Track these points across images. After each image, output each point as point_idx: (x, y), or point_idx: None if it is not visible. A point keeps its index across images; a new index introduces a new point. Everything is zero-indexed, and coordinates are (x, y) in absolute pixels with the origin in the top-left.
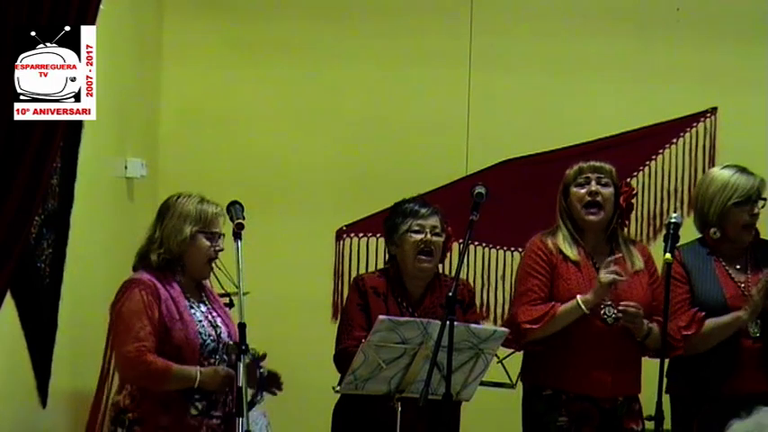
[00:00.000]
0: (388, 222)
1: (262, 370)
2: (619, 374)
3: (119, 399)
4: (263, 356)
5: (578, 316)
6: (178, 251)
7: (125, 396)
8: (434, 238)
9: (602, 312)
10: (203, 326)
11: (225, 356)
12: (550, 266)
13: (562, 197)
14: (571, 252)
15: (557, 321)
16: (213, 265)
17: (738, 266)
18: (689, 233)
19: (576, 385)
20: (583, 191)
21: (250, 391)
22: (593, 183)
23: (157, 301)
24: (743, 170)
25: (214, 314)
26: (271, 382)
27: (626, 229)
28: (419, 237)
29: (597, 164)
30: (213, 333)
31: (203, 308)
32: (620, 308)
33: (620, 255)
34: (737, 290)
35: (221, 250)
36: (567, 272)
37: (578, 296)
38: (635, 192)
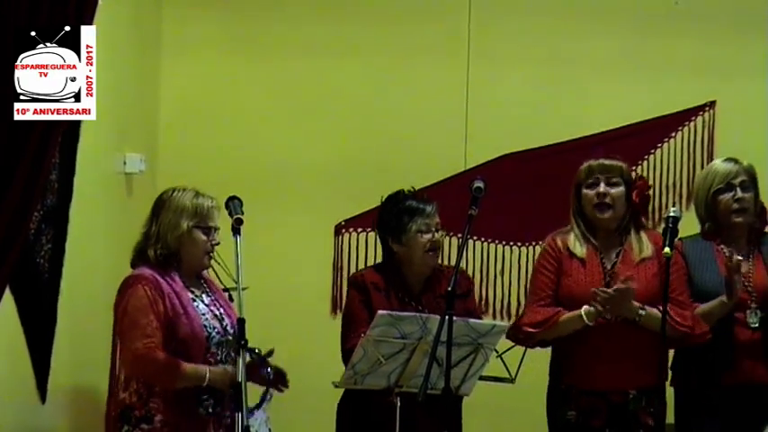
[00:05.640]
0: (391, 220)
1: (268, 369)
2: (622, 367)
3: (124, 396)
4: (270, 353)
5: (581, 325)
6: (175, 246)
7: (131, 393)
8: (438, 236)
9: None
10: (207, 319)
11: (232, 352)
12: (558, 263)
13: (575, 197)
14: (579, 249)
15: (558, 328)
16: (212, 258)
17: (741, 256)
18: (688, 227)
19: (582, 380)
20: (592, 192)
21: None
22: (603, 184)
23: (161, 295)
24: (730, 159)
25: (218, 304)
26: (277, 380)
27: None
28: (428, 236)
29: (607, 162)
30: (218, 325)
31: (207, 299)
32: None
33: (633, 280)
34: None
35: (218, 244)
36: (570, 268)
37: (583, 307)
38: (650, 185)
